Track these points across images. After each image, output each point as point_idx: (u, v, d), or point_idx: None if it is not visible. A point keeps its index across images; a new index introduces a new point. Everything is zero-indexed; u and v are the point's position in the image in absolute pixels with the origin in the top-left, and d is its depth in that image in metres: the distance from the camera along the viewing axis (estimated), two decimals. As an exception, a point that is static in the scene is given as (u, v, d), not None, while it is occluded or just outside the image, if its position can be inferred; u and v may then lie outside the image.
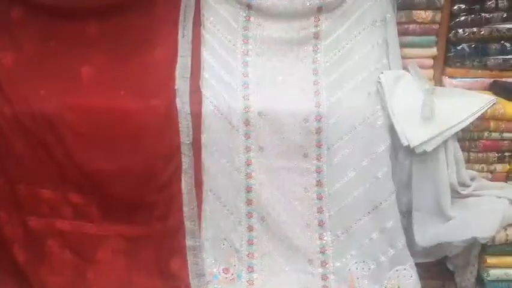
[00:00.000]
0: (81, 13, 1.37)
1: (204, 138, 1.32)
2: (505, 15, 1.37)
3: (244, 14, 1.39)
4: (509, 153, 1.33)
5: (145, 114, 1.29)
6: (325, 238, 1.32)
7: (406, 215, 1.36)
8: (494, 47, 1.40)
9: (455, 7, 1.38)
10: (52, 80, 1.31)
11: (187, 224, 1.32)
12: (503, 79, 1.43)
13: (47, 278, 1.34)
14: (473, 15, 1.38)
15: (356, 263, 1.29)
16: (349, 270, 1.29)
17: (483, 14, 1.38)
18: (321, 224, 1.33)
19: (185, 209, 1.32)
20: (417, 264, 1.31)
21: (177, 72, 1.33)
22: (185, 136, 1.31)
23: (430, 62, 1.43)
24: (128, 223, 1.35)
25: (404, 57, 1.40)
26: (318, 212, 1.33)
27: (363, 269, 1.29)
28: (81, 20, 1.36)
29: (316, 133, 1.32)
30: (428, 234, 1.27)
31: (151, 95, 1.31)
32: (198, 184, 1.33)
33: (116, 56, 1.35)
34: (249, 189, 1.33)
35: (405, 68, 1.39)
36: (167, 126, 1.30)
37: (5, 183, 1.33)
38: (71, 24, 1.36)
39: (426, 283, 1.39)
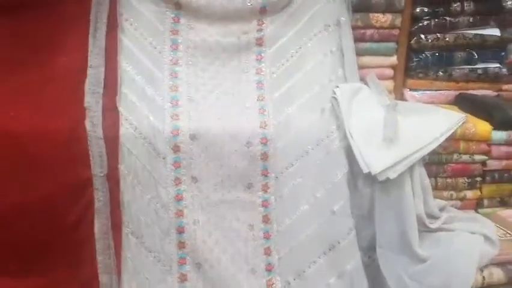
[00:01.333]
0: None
1: (122, 168, 1.06)
2: (471, 19, 1.23)
3: (173, 15, 1.15)
4: (480, 178, 1.18)
5: (43, 140, 1.01)
6: (274, 285, 1.10)
7: (368, 251, 1.17)
8: (459, 55, 1.25)
9: (417, 10, 1.22)
10: None
11: (102, 277, 1.05)
12: (470, 91, 1.29)
13: None
14: (437, 20, 1.23)
15: (311, 315, 1.08)
16: (303, 323, 1.08)
17: (448, 18, 1.23)
18: (269, 268, 1.10)
19: (99, 258, 1.05)
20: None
21: (87, 87, 1.06)
22: (97, 167, 1.04)
23: (390, 72, 1.27)
24: (25, 277, 1.06)
25: (361, 67, 1.22)
26: (265, 254, 1.11)
27: (319, 321, 1.08)
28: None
29: (261, 159, 1.10)
30: (394, 275, 1.08)
31: (51, 116, 1.03)
32: (116, 226, 1.06)
33: (8, 65, 1.06)
34: (180, 230, 1.08)
35: (362, 79, 1.22)
36: (74, 154, 1.03)
37: None
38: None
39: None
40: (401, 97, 1.29)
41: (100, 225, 1.06)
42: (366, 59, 1.24)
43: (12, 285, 1.07)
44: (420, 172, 1.10)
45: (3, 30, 1.08)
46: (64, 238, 1.05)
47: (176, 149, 1.08)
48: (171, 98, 1.11)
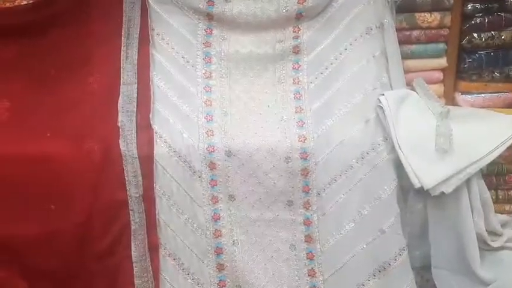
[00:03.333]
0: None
1: (158, 188, 1.02)
2: (530, 14, 1.11)
3: (205, 27, 1.11)
4: (547, 189, 1.07)
5: (78, 161, 1.00)
6: (319, 310, 1.03)
7: (421, 271, 1.08)
8: (517, 53, 1.14)
9: (468, 7, 1.12)
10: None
11: (141, 301, 1.02)
12: (530, 92, 1.17)
13: None
14: (490, 16, 1.12)
15: None
16: None
17: (503, 14, 1.11)
18: (313, 291, 1.04)
19: (137, 281, 1.02)
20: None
21: (120, 105, 1.04)
22: (133, 187, 1.01)
23: (439, 75, 1.17)
24: (64, 303, 1.05)
25: (407, 72, 1.13)
26: (309, 276, 1.04)
27: None
28: (-1, 41, 1.08)
29: (302, 175, 1.03)
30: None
31: (85, 136, 1.01)
32: (153, 248, 1.03)
33: (40, 85, 1.06)
34: (218, 251, 1.03)
35: (409, 85, 1.13)
36: (109, 175, 1.01)
37: None
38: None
39: None
40: (453, 102, 1.18)
41: (137, 247, 1.03)
42: (413, 63, 1.14)
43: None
44: (479, 185, 1.00)
45: (37, 50, 1.08)
46: (100, 262, 1.03)
47: (212, 166, 1.03)
48: (205, 113, 1.07)
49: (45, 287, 1.05)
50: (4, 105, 1.05)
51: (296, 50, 1.10)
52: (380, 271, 1.00)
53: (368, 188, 1.02)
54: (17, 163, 1.00)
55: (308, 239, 1.05)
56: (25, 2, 1.09)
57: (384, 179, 1.01)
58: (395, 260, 0.99)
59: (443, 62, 1.16)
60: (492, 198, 1.03)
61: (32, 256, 1.02)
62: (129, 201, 1.02)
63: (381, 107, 1.03)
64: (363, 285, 1.01)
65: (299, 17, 1.09)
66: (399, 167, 1.01)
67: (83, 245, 1.01)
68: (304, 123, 1.06)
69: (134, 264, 1.02)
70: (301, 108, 1.08)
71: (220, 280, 1.04)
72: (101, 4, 1.10)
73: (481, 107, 1.17)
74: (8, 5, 1.10)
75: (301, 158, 1.04)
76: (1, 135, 1.03)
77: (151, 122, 1.04)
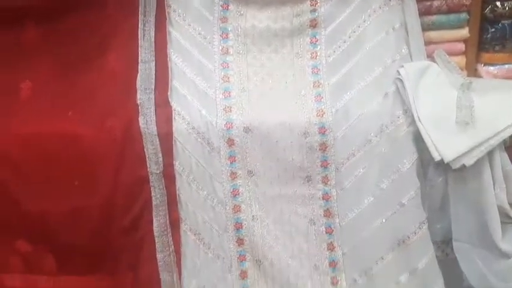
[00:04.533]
0: (14, 15, 1.08)
1: (177, 165, 1.03)
2: (557, -20, 1.07)
3: (221, 2, 1.10)
4: None
5: (100, 139, 1.01)
6: (339, 283, 1.03)
7: (442, 245, 1.07)
8: (544, 22, 1.10)
9: (491, -26, 1.08)
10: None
11: (163, 275, 1.04)
12: (556, 62, 1.13)
13: None
14: (515, -17, 1.08)
15: (380, 314, 1.01)
16: (372, 323, 1.01)
17: (528, -19, 1.07)
18: (333, 264, 1.04)
19: (159, 256, 1.04)
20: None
21: (138, 83, 1.04)
22: (153, 164, 1.03)
23: (461, 46, 1.13)
24: (90, 274, 1.08)
25: (427, 44, 1.10)
26: (328, 250, 1.05)
27: (390, 321, 1.01)
28: (15, 24, 1.08)
29: (320, 150, 1.03)
30: (475, 273, 0.98)
31: (105, 114, 1.02)
32: (174, 223, 1.05)
33: (61, 66, 1.07)
34: (238, 226, 1.04)
35: (430, 57, 1.10)
36: (130, 153, 1.02)
37: None
38: (5, 31, 1.08)
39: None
40: (475, 74, 1.15)
41: (158, 223, 1.04)
42: (434, 34, 1.11)
43: (78, 285, 1.09)
44: (502, 157, 0.98)
45: (56, 32, 1.09)
46: (124, 237, 1.05)
47: (230, 142, 1.03)
48: (223, 89, 1.07)
49: (72, 262, 1.09)
50: (26, 85, 1.07)
51: (314, 24, 1.09)
52: (399, 245, 1.00)
53: (387, 161, 1.01)
54: (40, 141, 1.02)
55: (327, 213, 1.05)
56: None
57: (404, 152, 1.00)
58: (415, 233, 0.99)
59: (465, 32, 1.12)
60: (515, 170, 1.01)
61: (59, 231, 1.06)
62: (150, 178, 1.03)
63: (401, 79, 1.01)
64: (383, 258, 1.01)
65: (316, -11, 1.07)
66: (419, 140, 1.00)
67: (108, 220, 1.04)
68: (322, 97, 1.05)
69: (156, 239, 1.04)
70: (319, 83, 1.07)
71: (240, 254, 1.05)
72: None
73: (504, 78, 1.14)
74: (26, -14, 1.11)
75: (319, 133, 1.03)
76: (24, 114, 1.05)
77: (170, 99, 1.05)
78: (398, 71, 1.02)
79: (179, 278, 1.05)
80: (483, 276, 0.97)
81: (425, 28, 1.09)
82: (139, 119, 1.03)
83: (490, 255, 0.98)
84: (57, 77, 1.07)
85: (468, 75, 1.13)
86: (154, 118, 1.04)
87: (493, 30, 1.12)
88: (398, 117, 1.01)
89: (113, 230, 1.05)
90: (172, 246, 1.05)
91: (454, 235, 1.02)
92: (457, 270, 1.04)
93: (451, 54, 1.12)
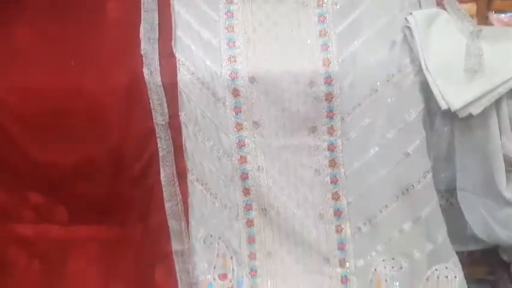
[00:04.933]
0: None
1: (183, 116, 1.04)
2: None
3: None
4: None
5: (105, 91, 1.01)
6: (344, 231, 1.05)
7: (446, 194, 1.08)
8: (559, -34, 1.06)
9: None
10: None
11: (172, 223, 1.06)
12: None
13: (13, 291, 1.14)
14: None
15: (383, 261, 1.03)
16: (375, 270, 1.03)
17: None
18: (337, 213, 1.06)
19: (167, 205, 1.06)
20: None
21: (142, 33, 1.03)
22: (159, 115, 1.03)
23: (472, -7, 1.11)
24: (100, 224, 1.11)
25: (437, -10, 1.08)
26: (333, 199, 1.06)
27: (392, 268, 1.02)
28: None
29: (325, 100, 1.02)
30: (479, 221, 1.00)
31: (109, 65, 1.02)
32: (181, 174, 1.06)
33: (61, 14, 1.05)
34: (244, 176, 1.06)
35: (440, 4, 1.07)
36: (135, 104, 1.02)
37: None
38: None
39: (470, 271, 1.13)
40: (486, 21, 1.12)
41: (165, 173, 1.05)
42: (444, -20, 1.09)
43: (90, 234, 1.12)
44: (509, 105, 0.97)
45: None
46: (133, 187, 1.07)
47: (235, 93, 1.03)
48: (227, 39, 1.05)
49: (83, 212, 1.11)
50: (22, 30, 1.05)
51: (320, -29, 1.06)
52: (403, 193, 1.01)
53: (393, 111, 1.01)
54: (47, 95, 1.02)
55: (332, 163, 1.06)
56: None
57: (411, 101, 1.00)
58: (419, 182, 1.00)
59: (476, -22, 1.10)
60: (522, 120, 1.01)
61: (70, 183, 1.07)
62: (156, 129, 1.04)
63: (409, 27, 0.99)
64: (387, 207, 1.03)
65: None
66: (426, 89, 0.99)
67: (117, 171, 1.05)
68: (328, 46, 1.03)
69: (163, 189, 1.06)
70: (326, 32, 1.05)
71: (246, 204, 1.07)
72: None
73: (516, 27, 1.12)
74: None
75: (325, 83, 1.02)
76: (22, 62, 1.04)
77: (174, 49, 1.04)
78: (406, 19, 1.01)
79: (187, 227, 1.08)
80: (487, 224, 0.99)
81: (435, -26, 1.07)
82: (144, 69, 1.02)
83: (494, 204, 0.99)
84: (57, 25, 1.05)
85: (478, 23, 1.10)
86: (158, 69, 1.03)
87: (506, -25, 1.09)
88: (405, 66, 1.00)
89: (122, 180, 1.06)
90: (180, 196, 1.07)
91: (459, 184, 1.03)
92: (460, 219, 1.06)
93: (462, 1, 1.09)
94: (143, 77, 1.02)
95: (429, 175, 1.01)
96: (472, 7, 1.11)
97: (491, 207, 0.99)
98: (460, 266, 1.02)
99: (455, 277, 1.01)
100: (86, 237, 1.12)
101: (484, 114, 0.96)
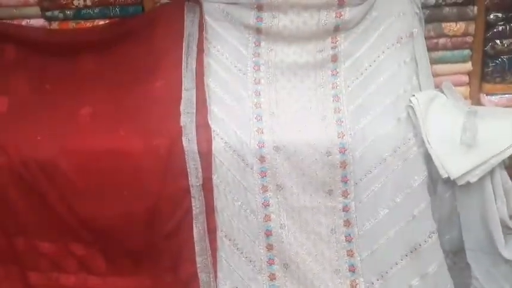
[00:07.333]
0: (76, 49, 1.28)
1: (215, 178, 1.18)
2: (548, 21, 1.21)
3: (254, 40, 1.27)
4: None
5: (147, 155, 1.16)
6: (358, 286, 1.16)
7: (450, 254, 1.19)
8: (538, 57, 1.24)
9: (491, 16, 1.23)
10: (49, 125, 1.20)
11: (202, 275, 1.18)
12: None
13: None
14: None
15: (395, 315, 1.13)
16: (387, 323, 1.12)
17: (524, 22, 1.22)
18: (352, 269, 1.17)
19: (198, 259, 1.18)
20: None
21: (182, 107, 1.20)
22: (194, 178, 1.17)
23: (465, 78, 1.29)
24: (135, 275, 1.22)
25: (435, 76, 1.26)
26: (348, 256, 1.17)
27: (404, 322, 1.12)
28: (76, 57, 1.28)
29: (340, 167, 1.17)
30: (489, 276, 1.10)
31: (153, 134, 1.18)
32: (211, 230, 1.19)
33: (115, 92, 1.24)
34: (268, 233, 1.18)
35: (437, 87, 1.25)
36: (173, 167, 1.17)
37: (1, 236, 1.22)
38: (66, 62, 1.28)
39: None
40: (478, 102, 1.29)
41: (198, 229, 1.18)
42: (440, 67, 1.27)
43: (124, 284, 1.23)
44: (502, 175, 1.11)
45: (111, 63, 1.27)
46: (167, 242, 1.19)
47: (262, 159, 1.18)
48: (255, 114, 1.22)
49: (119, 263, 1.23)
50: (86, 110, 1.24)
51: (334, 59, 1.25)
52: (411, 251, 1.13)
53: (400, 178, 1.14)
54: (98, 157, 1.17)
55: (347, 223, 1.18)
56: (102, 22, 1.30)
57: (415, 170, 1.13)
58: (425, 241, 1.12)
59: (468, 66, 1.27)
60: (514, 187, 1.13)
61: (109, 236, 1.20)
62: (191, 190, 1.17)
63: (412, 107, 1.15)
64: (396, 264, 1.13)
65: (337, 29, 1.23)
66: (428, 160, 1.13)
67: (153, 226, 1.18)
68: (342, 122, 1.20)
69: (195, 244, 1.18)
70: (340, 109, 1.22)
71: (270, 259, 1.18)
72: (165, 22, 1.28)
73: (505, 107, 1.27)
74: (88, 25, 1.30)
75: (340, 153, 1.17)
76: (85, 133, 1.21)
77: (209, 122, 1.21)
78: (409, 99, 1.17)
79: (215, 279, 1.18)
80: (489, 273, 1.08)
81: (433, 62, 1.25)
82: (182, 138, 1.18)
83: (498, 260, 1.09)
84: (111, 101, 1.23)
85: (472, 104, 1.27)
86: (195, 138, 1.18)
87: (493, 64, 1.26)
88: (410, 140, 1.14)
89: (157, 234, 1.18)
90: (209, 251, 1.19)
91: (466, 244, 1.14)
92: (464, 277, 1.16)
93: (456, 85, 1.26)
94: (182, 145, 1.18)
95: (435, 235, 1.12)
96: (466, 90, 1.29)
97: (495, 262, 1.09)
98: (467, 320, 1.11)
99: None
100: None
101: (480, 182, 1.09)
